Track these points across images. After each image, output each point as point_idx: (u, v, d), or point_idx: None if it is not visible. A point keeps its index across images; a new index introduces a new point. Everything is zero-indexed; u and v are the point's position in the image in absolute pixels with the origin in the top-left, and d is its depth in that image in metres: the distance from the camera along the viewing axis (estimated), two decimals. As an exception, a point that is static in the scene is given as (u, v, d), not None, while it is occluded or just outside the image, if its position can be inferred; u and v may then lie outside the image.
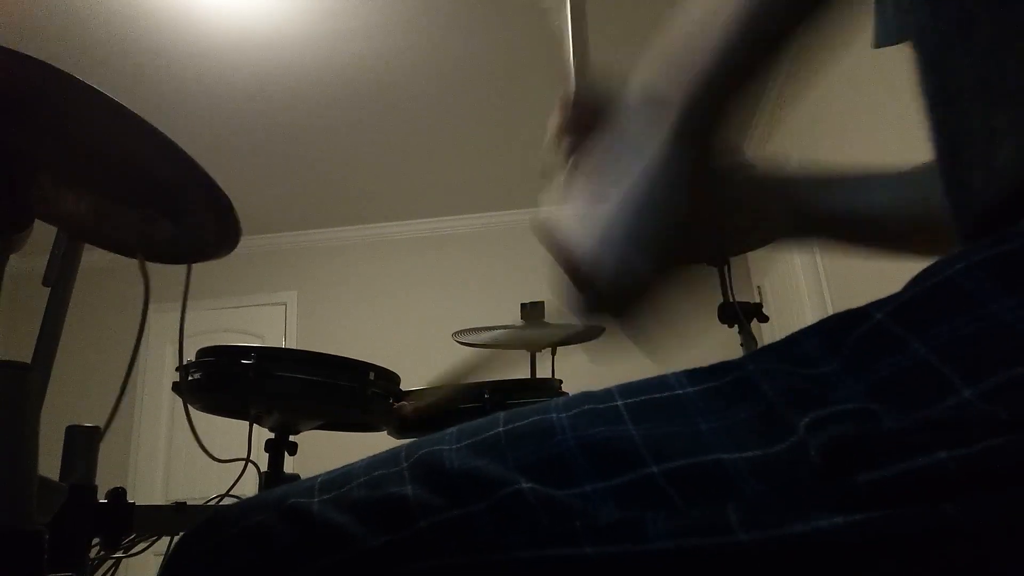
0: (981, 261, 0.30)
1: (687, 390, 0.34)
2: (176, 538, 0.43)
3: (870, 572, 0.26)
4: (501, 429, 0.35)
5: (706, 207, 0.51)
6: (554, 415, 0.35)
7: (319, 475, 0.38)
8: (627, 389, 0.35)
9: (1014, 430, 0.25)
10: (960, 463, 0.25)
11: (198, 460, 1.35)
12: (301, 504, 0.35)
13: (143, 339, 0.97)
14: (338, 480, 0.37)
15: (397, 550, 0.32)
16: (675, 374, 0.35)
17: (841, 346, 0.32)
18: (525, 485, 0.31)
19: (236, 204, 0.88)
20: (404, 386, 1.46)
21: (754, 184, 0.58)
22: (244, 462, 1.34)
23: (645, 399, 0.34)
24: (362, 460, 0.38)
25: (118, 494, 1.07)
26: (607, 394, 0.35)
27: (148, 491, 4.37)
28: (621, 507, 0.29)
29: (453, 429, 0.38)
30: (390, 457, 0.37)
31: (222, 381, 1.25)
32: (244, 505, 0.38)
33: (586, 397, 0.36)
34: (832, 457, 0.27)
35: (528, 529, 0.30)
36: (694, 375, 0.35)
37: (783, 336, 0.35)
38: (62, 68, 0.55)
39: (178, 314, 1.05)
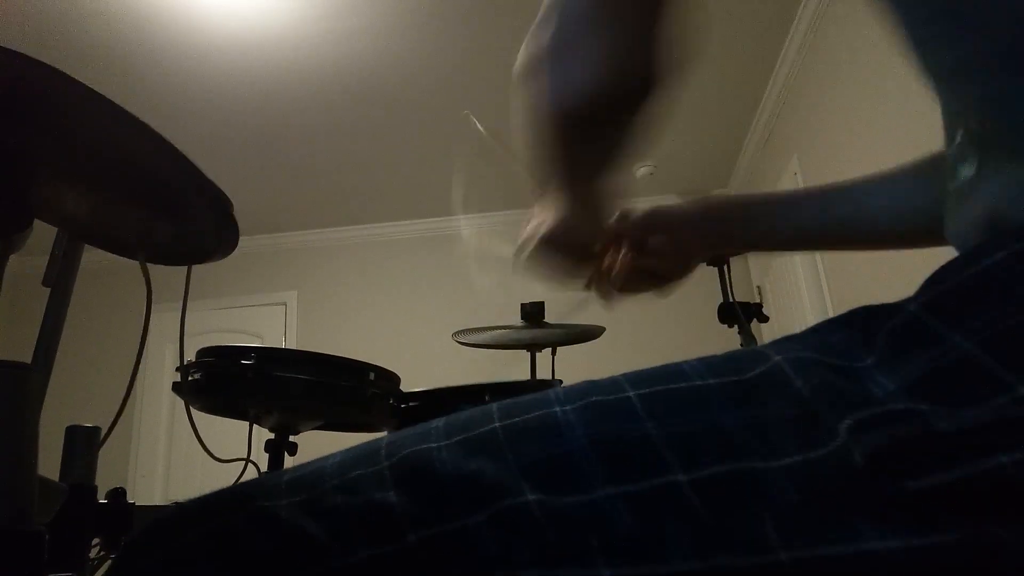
0: (1020, 250, 0.28)
1: (708, 382, 0.30)
2: (125, 541, 0.35)
3: None
4: (497, 424, 0.31)
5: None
6: (558, 408, 0.31)
7: (285, 471, 0.34)
8: (638, 378, 0.32)
9: None
10: (1022, 467, 0.23)
11: (198, 460, 1.35)
12: (267, 508, 0.31)
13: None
14: (307, 479, 0.32)
15: (381, 566, 0.28)
16: (690, 362, 0.32)
17: (873, 339, 0.29)
18: (530, 494, 0.28)
19: (236, 204, 0.88)
20: (404, 387, 1.46)
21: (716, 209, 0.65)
22: (244, 462, 1.34)
23: (660, 390, 0.30)
24: (334, 455, 0.34)
25: (118, 494, 1.07)
26: (615, 384, 0.32)
27: (148, 491, 4.37)
28: (640, 518, 0.26)
29: (440, 421, 0.33)
30: (368, 453, 0.33)
31: (222, 381, 1.25)
32: (205, 502, 0.33)
33: (591, 387, 0.32)
34: (880, 463, 0.25)
35: (535, 545, 0.27)
36: (712, 364, 0.31)
37: (783, 336, 0.33)
38: (63, 68, 0.55)
39: (178, 314, 1.05)
